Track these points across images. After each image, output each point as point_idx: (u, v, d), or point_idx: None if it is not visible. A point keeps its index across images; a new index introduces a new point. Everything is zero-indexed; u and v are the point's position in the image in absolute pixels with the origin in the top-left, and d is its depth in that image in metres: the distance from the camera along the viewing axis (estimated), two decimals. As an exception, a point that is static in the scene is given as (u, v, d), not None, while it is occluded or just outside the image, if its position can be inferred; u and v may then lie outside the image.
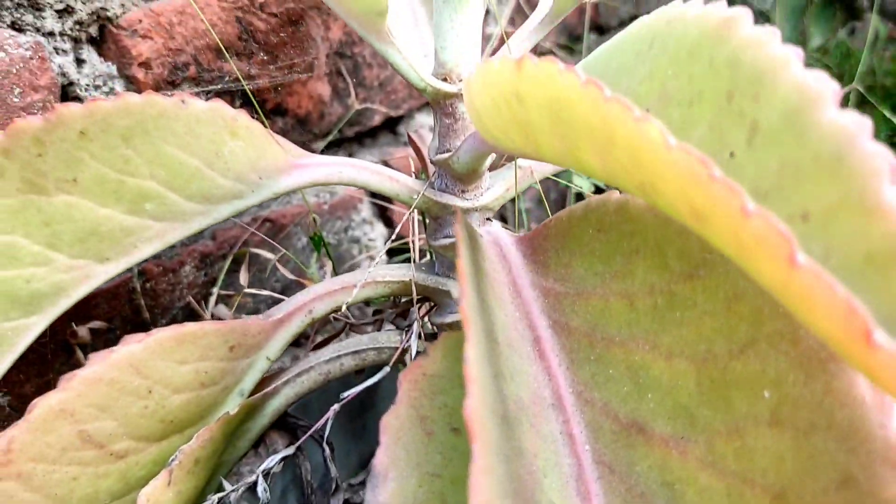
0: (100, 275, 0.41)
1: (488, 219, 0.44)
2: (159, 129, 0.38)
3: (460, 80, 0.42)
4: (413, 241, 0.48)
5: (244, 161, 0.40)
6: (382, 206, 0.78)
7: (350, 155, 0.75)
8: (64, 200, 0.39)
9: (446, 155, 0.42)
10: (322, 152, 0.70)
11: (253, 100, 0.58)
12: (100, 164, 0.38)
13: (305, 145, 0.67)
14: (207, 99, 0.57)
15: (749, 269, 0.22)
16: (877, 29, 1.05)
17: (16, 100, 0.46)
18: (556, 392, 0.31)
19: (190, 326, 0.40)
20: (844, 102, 0.93)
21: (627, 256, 0.32)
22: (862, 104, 0.95)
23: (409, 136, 0.49)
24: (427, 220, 0.46)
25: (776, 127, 0.24)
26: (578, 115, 0.25)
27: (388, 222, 0.79)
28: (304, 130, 0.66)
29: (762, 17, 1.21)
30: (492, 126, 0.33)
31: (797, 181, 0.23)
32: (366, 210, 0.77)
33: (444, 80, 0.42)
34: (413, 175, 0.51)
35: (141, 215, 0.40)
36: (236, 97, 0.59)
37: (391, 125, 0.79)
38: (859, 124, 0.22)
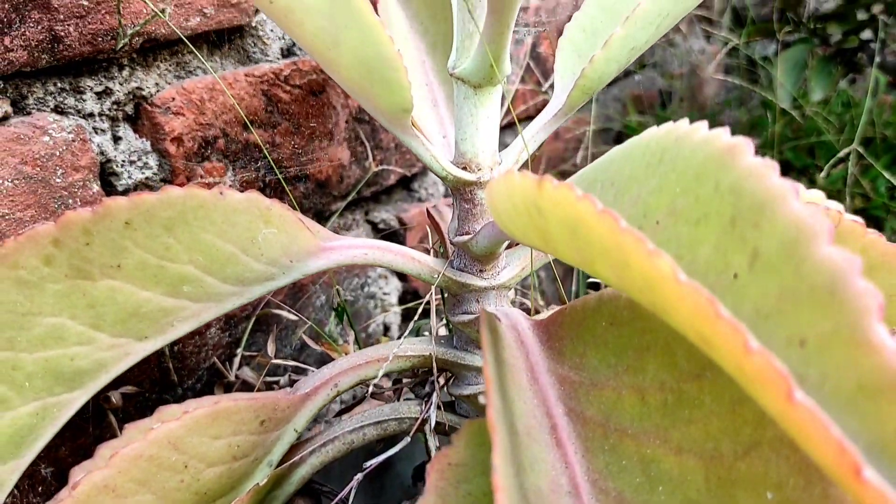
0: (139, 352, 0.43)
1: (514, 289, 0.47)
2: (199, 218, 0.41)
3: (479, 170, 0.44)
4: (432, 317, 0.50)
5: (277, 246, 0.43)
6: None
7: (367, 212, 0.78)
8: (108, 284, 0.41)
9: (465, 238, 0.45)
10: (341, 213, 0.72)
11: (276, 170, 0.61)
12: (143, 251, 0.41)
13: (325, 206, 0.70)
14: (235, 171, 0.60)
15: (750, 392, 0.24)
16: (877, 78, 1.08)
17: (58, 180, 0.49)
18: (572, 480, 0.33)
19: (224, 403, 0.42)
20: (845, 161, 0.95)
21: (639, 352, 0.34)
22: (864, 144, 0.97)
23: (427, 212, 0.51)
24: (446, 295, 0.49)
25: (775, 255, 0.26)
26: (595, 238, 0.28)
27: (403, 276, 0.82)
28: (323, 193, 0.69)
29: (765, 61, 1.24)
30: (511, 227, 0.35)
31: (795, 308, 0.25)
32: (381, 268, 0.79)
33: (464, 168, 0.44)
34: (431, 249, 0.54)
35: (179, 297, 0.42)
36: (261, 167, 0.62)
37: (406, 182, 0.82)
38: (850, 262, 0.24)
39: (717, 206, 0.29)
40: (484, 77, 0.42)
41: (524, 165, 0.46)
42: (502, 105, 0.82)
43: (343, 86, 0.43)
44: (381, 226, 0.79)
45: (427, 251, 0.61)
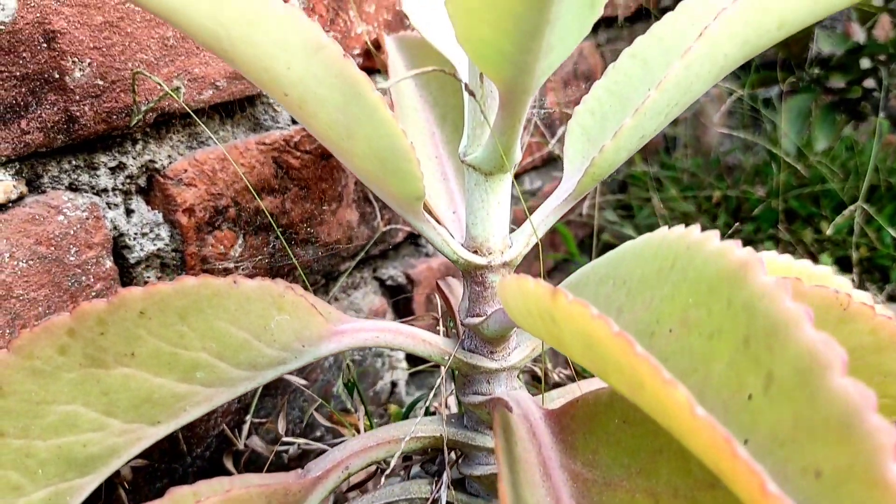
0: (151, 436, 0.43)
1: (525, 366, 0.47)
2: (213, 307, 0.41)
3: (490, 253, 0.45)
4: (442, 404, 0.50)
5: (289, 332, 0.43)
6: (404, 316, 0.81)
7: (374, 269, 0.79)
8: (122, 372, 0.41)
9: (476, 320, 0.45)
10: (350, 273, 0.73)
11: (282, 239, 0.62)
12: (156, 339, 0.41)
13: (334, 267, 0.70)
14: (245, 238, 0.60)
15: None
16: (881, 125, 1.09)
17: (72, 258, 0.49)
18: (586, 585, 0.33)
19: (235, 492, 0.42)
20: (850, 220, 0.96)
21: (652, 455, 0.34)
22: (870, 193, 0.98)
23: (437, 285, 0.52)
24: (457, 374, 0.49)
25: (790, 382, 0.26)
26: (610, 357, 0.28)
27: (410, 332, 0.82)
28: (332, 255, 0.69)
29: (768, 105, 1.25)
30: (524, 324, 0.36)
31: (811, 438, 0.25)
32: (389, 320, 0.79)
33: (475, 252, 0.45)
34: (440, 327, 0.54)
35: (192, 382, 0.43)
36: (272, 233, 0.63)
37: (413, 238, 0.83)
38: (865, 396, 0.24)
39: (730, 323, 0.29)
40: (495, 166, 0.42)
41: (534, 247, 0.46)
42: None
43: (356, 173, 0.43)
44: (389, 282, 0.80)
45: (436, 320, 0.61)
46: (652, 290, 0.34)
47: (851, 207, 0.89)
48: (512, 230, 0.47)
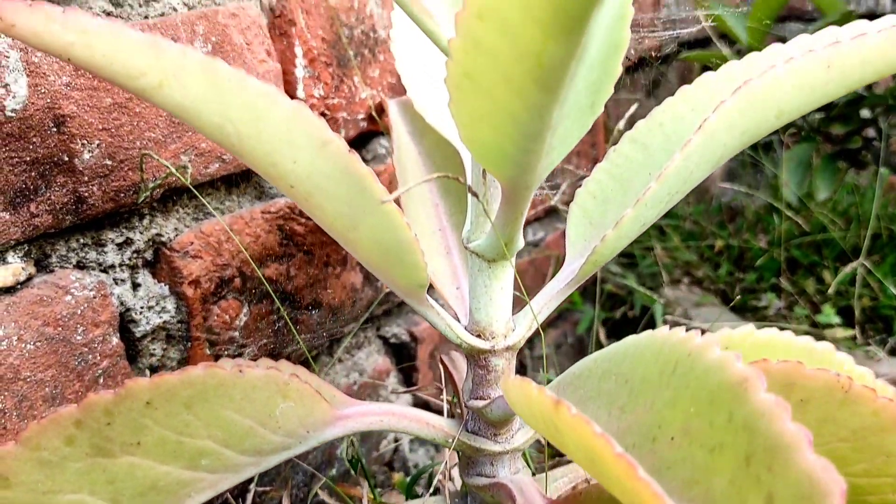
0: (155, 523, 0.44)
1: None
2: (218, 396, 0.42)
3: (493, 338, 0.45)
4: (445, 491, 0.50)
5: (294, 419, 0.43)
6: (408, 374, 0.81)
7: (378, 328, 0.79)
8: (128, 461, 0.42)
9: (480, 403, 0.45)
10: (354, 334, 0.73)
11: (281, 307, 0.62)
12: (162, 428, 0.41)
13: (338, 330, 0.71)
14: (250, 306, 0.61)
15: None
16: (881, 176, 1.09)
17: (79, 338, 0.50)
18: None
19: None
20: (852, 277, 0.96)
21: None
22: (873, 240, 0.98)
23: (441, 360, 0.52)
24: (461, 454, 0.49)
25: (791, 507, 0.27)
26: (612, 475, 0.28)
27: (417, 397, 0.82)
28: (336, 319, 0.70)
29: (767, 149, 1.25)
30: (528, 421, 0.36)
31: (814, 567, 0.26)
32: (392, 380, 0.80)
33: (479, 336, 0.45)
34: (444, 399, 0.54)
35: (197, 469, 0.43)
36: (276, 300, 0.63)
37: (417, 294, 0.83)
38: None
39: (731, 438, 0.30)
40: (498, 254, 0.43)
41: (537, 332, 0.46)
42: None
43: (360, 261, 0.44)
44: (393, 340, 0.80)
45: (439, 389, 0.61)
46: (654, 392, 0.34)
47: (853, 264, 0.90)
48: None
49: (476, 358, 0.46)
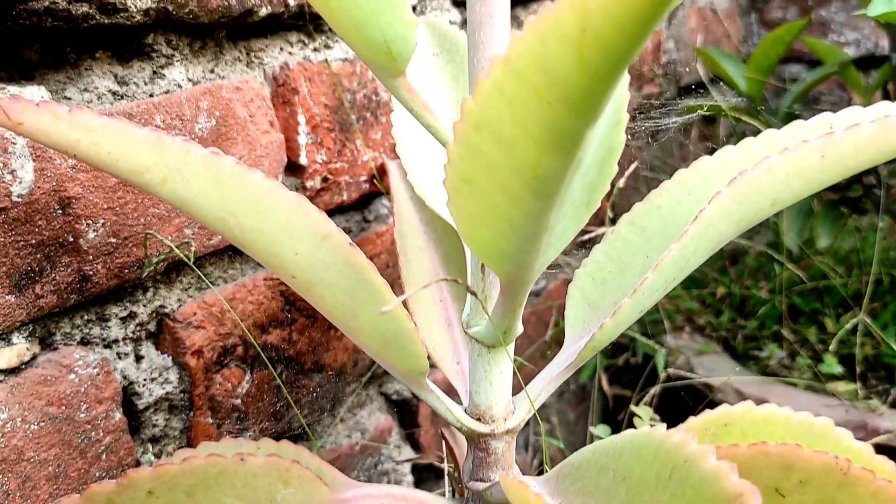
0: None
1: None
2: (220, 484, 0.42)
3: (493, 421, 0.45)
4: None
5: (294, 505, 0.43)
6: (410, 431, 0.81)
7: (380, 385, 0.79)
8: (130, 549, 0.42)
9: (481, 486, 0.46)
10: (356, 393, 0.73)
11: (274, 373, 0.62)
12: (164, 516, 0.42)
13: (340, 390, 0.71)
14: (252, 373, 0.61)
15: None
16: (882, 228, 1.09)
17: (82, 415, 0.50)
18: None
19: None
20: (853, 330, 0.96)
21: None
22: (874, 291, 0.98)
23: (442, 434, 0.52)
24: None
25: None
26: None
27: (416, 445, 0.82)
28: (338, 381, 0.70)
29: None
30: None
31: None
32: (395, 437, 0.80)
33: (479, 419, 0.46)
34: (448, 489, 0.54)
35: (198, 556, 0.43)
36: (279, 364, 0.63)
37: (418, 350, 0.83)
38: None
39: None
40: (496, 341, 0.43)
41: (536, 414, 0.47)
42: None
43: (362, 348, 0.44)
44: (395, 397, 0.80)
45: (440, 458, 0.61)
46: (651, 494, 0.34)
47: (854, 320, 0.90)
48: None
49: (476, 441, 0.46)
